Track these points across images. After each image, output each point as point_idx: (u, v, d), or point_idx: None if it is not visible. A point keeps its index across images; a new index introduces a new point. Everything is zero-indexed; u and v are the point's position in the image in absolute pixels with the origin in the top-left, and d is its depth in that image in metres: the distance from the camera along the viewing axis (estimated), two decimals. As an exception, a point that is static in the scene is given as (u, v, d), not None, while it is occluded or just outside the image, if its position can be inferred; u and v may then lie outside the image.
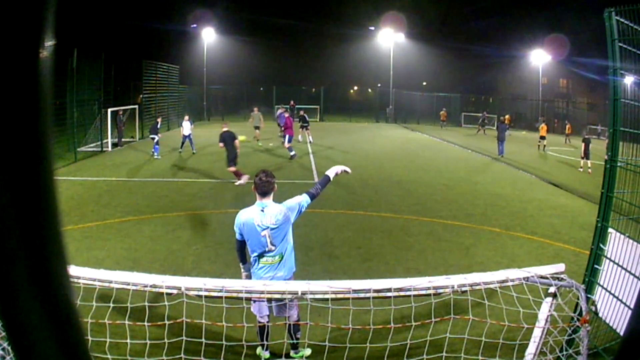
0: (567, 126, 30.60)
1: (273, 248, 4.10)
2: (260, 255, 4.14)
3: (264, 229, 4.06)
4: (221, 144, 13.50)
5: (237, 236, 4.25)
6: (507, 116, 28.77)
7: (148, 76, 25.97)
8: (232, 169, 13.29)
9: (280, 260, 4.15)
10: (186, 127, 19.45)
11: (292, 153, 18.51)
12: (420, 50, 48.87)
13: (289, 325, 4.14)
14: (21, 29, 0.53)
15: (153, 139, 18.40)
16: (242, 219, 4.15)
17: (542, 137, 24.67)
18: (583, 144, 18.07)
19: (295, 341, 4.39)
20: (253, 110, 23.02)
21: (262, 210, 4.09)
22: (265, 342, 4.26)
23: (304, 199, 4.27)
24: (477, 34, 52.91)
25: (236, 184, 13.17)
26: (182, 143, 19.48)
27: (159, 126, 19.12)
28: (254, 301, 4.11)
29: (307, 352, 4.43)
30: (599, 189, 4.61)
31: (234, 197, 11.80)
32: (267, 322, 4.28)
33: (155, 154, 18.19)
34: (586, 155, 17.77)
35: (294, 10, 59.49)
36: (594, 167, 17.43)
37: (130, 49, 40.16)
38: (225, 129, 13.71)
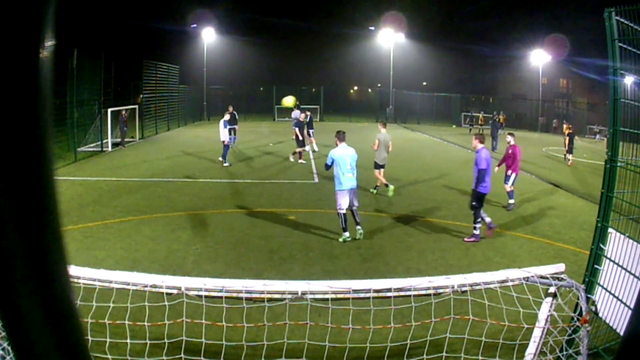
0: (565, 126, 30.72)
1: (350, 168, 8.31)
2: (344, 172, 8.24)
3: (348, 156, 8.33)
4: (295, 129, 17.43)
5: (328, 161, 8.46)
6: (502, 116, 29.64)
7: (148, 76, 25.93)
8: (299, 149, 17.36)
9: (353, 175, 8.33)
10: (223, 131, 16.03)
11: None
12: (420, 50, 48.85)
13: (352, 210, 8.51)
14: (21, 29, 0.53)
15: (233, 129, 21.43)
16: (337, 153, 8.36)
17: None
18: (567, 138, 19.20)
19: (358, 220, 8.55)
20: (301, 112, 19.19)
21: (346, 147, 8.42)
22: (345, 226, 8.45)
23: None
24: (477, 34, 52.95)
25: (291, 159, 17.34)
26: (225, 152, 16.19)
27: (236, 117, 22.05)
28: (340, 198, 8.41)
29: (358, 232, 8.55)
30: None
31: (234, 197, 11.80)
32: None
33: (234, 143, 21.23)
34: (569, 150, 19.19)
35: (294, 10, 59.47)
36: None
37: (130, 49, 40.17)
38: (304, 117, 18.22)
